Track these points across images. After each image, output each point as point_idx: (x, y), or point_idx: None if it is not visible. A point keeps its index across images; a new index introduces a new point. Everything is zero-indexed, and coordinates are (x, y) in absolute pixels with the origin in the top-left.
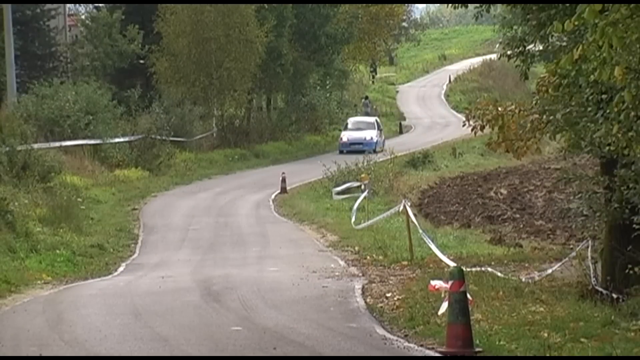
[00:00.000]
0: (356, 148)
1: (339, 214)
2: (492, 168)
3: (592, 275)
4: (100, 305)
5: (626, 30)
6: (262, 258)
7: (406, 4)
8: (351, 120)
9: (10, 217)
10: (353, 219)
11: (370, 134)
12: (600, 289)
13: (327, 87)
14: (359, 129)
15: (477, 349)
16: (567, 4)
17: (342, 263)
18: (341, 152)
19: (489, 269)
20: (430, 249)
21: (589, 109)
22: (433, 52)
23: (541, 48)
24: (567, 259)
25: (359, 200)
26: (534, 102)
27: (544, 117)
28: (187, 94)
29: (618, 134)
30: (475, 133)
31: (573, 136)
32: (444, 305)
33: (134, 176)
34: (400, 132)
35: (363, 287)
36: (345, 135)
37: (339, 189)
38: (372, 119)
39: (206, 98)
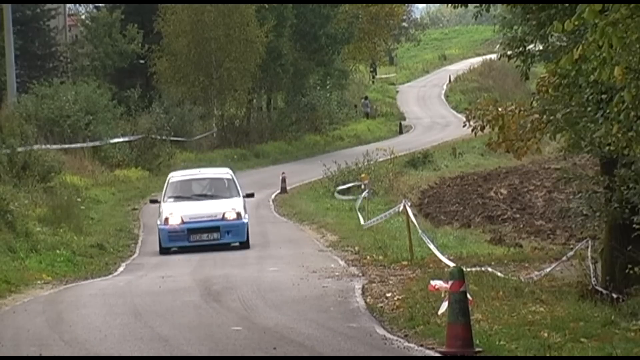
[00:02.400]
0: (206, 241)
1: (339, 214)
2: (492, 168)
3: (592, 275)
4: (100, 305)
5: (626, 30)
6: (262, 258)
7: (406, 4)
8: (176, 179)
9: (10, 217)
10: (361, 220)
11: (232, 206)
12: (600, 289)
13: (327, 87)
14: (201, 195)
15: (477, 349)
16: (567, 4)
17: (342, 263)
18: (165, 250)
19: (489, 269)
20: (430, 249)
21: (589, 109)
22: (433, 52)
23: (541, 48)
24: (565, 258)
25: (359, 202)
26: (533, 102)
27: (544, 117)
28: (187, 94)
29: (618, 134)
30: (475, 133)
31: (573, 136)
32: (444, 305)
33: (134, 176)
34: (400, 132)
35: (363, 287)
36: (176, 213)
37: (341, 188)
38: (223, 172)
39: (206, 98)
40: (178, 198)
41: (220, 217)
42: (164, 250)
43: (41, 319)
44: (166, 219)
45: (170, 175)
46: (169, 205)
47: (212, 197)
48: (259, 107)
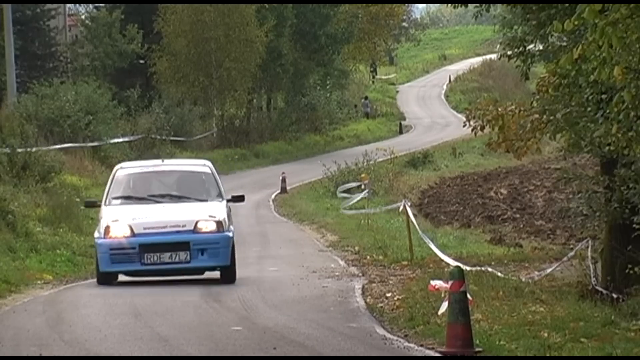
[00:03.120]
0: (168, 264)
1: (339, 213)
2: (492, 168)
3: (592, 275)
4: (100, 305)
5: (626, 30)
6: (262, 258)
7: (406, 4)
8: (126, 172)
9: (11, 217)
10: (342, 205)
11: (210, 212)
12: (600, 289)
13: (327, 87)
14: (164, 197)
15: (477, 349)
16: (567, 4)
17: (342, 263)
18: (104, 279)
19: (489, 269)
20: (430, 248)
21: (589, 109)
22: (433, 52)
23: (541, 48)
24: (566, 258)
25: (356, 199)
26: (533, 102)
27: (544, 117)
28: (187, 94)
29: (618, 134)
30: (475, 133)
31: (573, 136)
32: (444, 305)
33: None
34: (400, 132)
35: (363, 287)
36: (123, 219)
37: (344, 187)
38: (199, 165)
39: (206, 98)
40: (128, 199)
41: (190, 227)
42: (104, 278)
43: (41, 319)
44: (107, 229)
45: (117, 167)
46: (113, 210)
47: (180, 199)
48: (259, 107)
